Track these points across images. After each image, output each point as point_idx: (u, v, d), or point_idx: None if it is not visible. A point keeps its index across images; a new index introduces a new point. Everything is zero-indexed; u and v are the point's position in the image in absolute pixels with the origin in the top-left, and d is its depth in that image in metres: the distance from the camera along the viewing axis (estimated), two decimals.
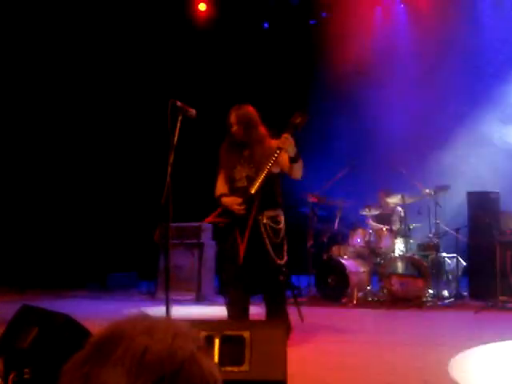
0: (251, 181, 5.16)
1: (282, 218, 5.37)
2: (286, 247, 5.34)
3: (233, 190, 5.35)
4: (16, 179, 10.65)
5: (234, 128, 5.32)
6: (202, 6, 13.26)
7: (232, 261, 5.16)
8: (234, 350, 3.29)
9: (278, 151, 4.98)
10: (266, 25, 13.75)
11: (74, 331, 3.62)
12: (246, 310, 5.31)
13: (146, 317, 1.01)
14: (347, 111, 12.14)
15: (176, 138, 4.43)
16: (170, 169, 4.42)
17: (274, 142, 5.20)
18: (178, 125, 4.44)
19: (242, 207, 5.10)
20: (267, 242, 5.14)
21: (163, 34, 12.53)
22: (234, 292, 5.29)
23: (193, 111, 4.56)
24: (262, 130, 5.42)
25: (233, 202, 5.17)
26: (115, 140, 12.35)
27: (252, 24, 13.27)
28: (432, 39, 11.69)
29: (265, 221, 5.17)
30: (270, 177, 5.13)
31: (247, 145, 5.34)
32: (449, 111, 11.31)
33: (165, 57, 12.57)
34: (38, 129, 11.62)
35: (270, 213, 5.25)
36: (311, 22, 13.26)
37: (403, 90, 11.84)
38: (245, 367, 3.26)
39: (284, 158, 5.12)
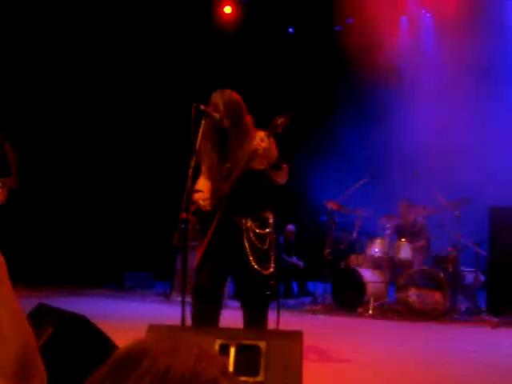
0: (227, 180, 4.52)
1: (271, 222, 4.58)
2: (273, 256, 4.52)
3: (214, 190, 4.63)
4: (37, 178, 10.69)
5: (224, 122, 4.49)
6: (228, 9, 13.28)
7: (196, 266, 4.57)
8: (249, 360, 3.25)
9: (251, 155, 4.34)
10: (290, 30, 13.72)
11: (89, 333, 3.60)
12: (212, 323, 4.50)
13: (171, 336, 0.99)
14: (369, 119, 12.07)
15: (198, 142, 4.39)
16: (191, 172, 4.39)
17: (259, 134, 4.43)
18: (201, 128, 4.41)
19: (207, 202, 4.50)
20: (248, 250, 4.42)
21: (188, 37, 12.54)
22: (196, 302, 4.54)
23: (216, 115, 4.52)
24: (248, 119, 4.59)
25: (199, 197, 4.53)
26: (136, 142, 12.39)
27: (277, 29, 13.24)
28: (458, 49, 11.59)
29: (248, 224, 4.47)
30: (254, 175, 4.48)
31: (231, 139, 4.52)
32: (472, 123, 11.19)
33: (189, 59, 12.59)
34: (60, 129, 11.69)
35: (256, 216, 4.52)
36: (336, 27, 13.20)
37: (426, 99, 11.76)
38: (260, 378, 3.21)
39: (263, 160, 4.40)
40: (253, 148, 4.29)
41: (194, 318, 4.55)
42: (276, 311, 4.58)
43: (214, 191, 4.56)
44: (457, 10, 11.95)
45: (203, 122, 4.45)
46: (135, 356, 0.93)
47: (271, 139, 4.37)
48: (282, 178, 4.53)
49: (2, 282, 1.34)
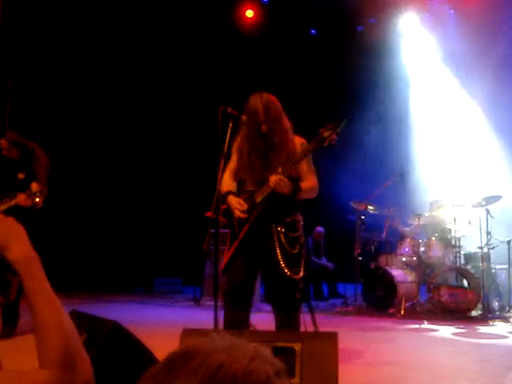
0: (261, 186, 4.42)
1: (301, 225, 4.52)
2: (304, 259, 4.45)
3: (240, 191, 4.56)
4: (67, 186, 10.78)
5: (264, 127, 4.41)
6: (250, 13, 13.29)
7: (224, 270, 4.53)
8: (284, 362, 3.20)
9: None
10: (313, 31, 13.67)
11: (122, 338, 3.59)
12: (241, 325, 4.42)
13: (226, 337, 1.00)
14: (394, 118, 11.98)
15: (226, 145, 4.37)
16: (220, 175, 4.38)
17: (297, 140, 4.49)
18: (229, 131, 4.38)
19: (245, 215, 4.41)
20: (279, 254, 4.34)
21: (211, 41, 12.56)
22: (227, 304, 4.50)
23: (243, 118, 4.49)
24: (287, 123, 4.52)
25: (237, 206, 4.43)
26: (165, 148, 12.43)
27: (299, 30, 13.20)
28: (481, 45, 11.46)
29: (280, 228, 4.38)
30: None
31: (270, 146, 4.46)
32: (496, 119, 11.06)
33: (213, 63, 12.61)
34: (90, 136, 11.78)
35: (287, 219, 4.44)
36: (359, 28, 13.11)
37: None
38: (296, 380, 3.17)
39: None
40: (271, 184, 4.29)
41: (224, 320, 4.54)
42: (309, 314, 4.53)
43: (248, 200, 4.48)
44: (480, 6, 11.82)
45: (230, 124, 4.43)
46: (190, 352, 0.95)
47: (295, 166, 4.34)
48: (307, 197, 4.55)
49: (36, 275, 1.35)
